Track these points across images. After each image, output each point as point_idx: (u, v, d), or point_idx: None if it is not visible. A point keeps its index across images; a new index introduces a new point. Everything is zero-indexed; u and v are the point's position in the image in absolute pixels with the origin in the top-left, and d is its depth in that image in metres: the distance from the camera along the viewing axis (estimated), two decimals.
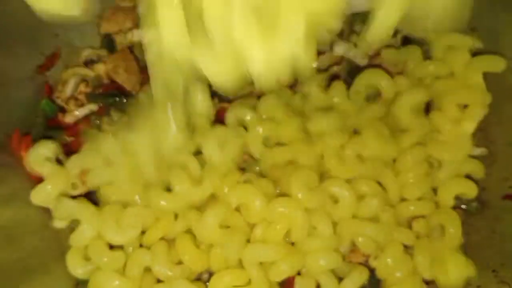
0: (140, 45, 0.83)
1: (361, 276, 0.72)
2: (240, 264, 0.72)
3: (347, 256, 0.75)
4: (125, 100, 0.80)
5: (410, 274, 0.73)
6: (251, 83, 0.62)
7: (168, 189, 0.74)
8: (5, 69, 0.75)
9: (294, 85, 0.78)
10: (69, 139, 0.80)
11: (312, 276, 0.73)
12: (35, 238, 0.74)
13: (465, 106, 0.77)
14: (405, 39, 0.82)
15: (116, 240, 0.73)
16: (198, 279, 0.75)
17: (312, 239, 0.72)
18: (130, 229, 0.73)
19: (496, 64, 0.76)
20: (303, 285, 0.73)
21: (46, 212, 0.77)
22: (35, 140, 0.76)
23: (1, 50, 0.74)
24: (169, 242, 0.74)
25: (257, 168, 0.76)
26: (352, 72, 0.80)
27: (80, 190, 0.77)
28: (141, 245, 0.75)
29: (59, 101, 0.82)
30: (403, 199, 0.75)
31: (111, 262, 0.72)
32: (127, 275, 0.72)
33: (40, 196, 0.75)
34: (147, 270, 0.73)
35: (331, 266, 0.72)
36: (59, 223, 0.77)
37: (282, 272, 0.71)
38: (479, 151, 0.80)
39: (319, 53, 0.77)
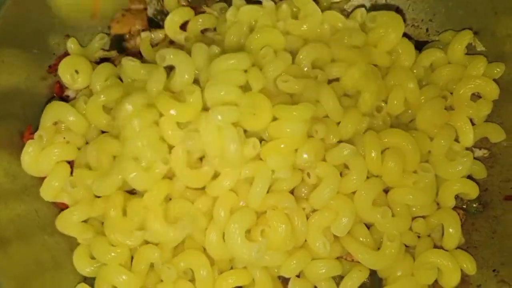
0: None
1: (361, 274, 0.72)
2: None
3: (347, 255, 0.74)
4: None
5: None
6: None
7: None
8: (18, 68, 0.77)
9: None
10: None
11: (310, 281, 0.73)
12: (45, 233, 0.75)
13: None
14: None
15: (123, 242, 0.72)
16: None
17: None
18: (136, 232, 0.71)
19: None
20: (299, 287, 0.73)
21: (56, 207, 0.77)
22: None
23: (15, 51, 0.76)
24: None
25: None
26: None
27: None
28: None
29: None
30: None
31: (116, 258, 0.72)
32: (134, 270, 0.72)
33: (48, 191, 0.75)
34: (151, 267, 0.73)
35: (331, 274, 0.73)
36: None
37: (287, 269, 0.71)
38: (480, 152, 0.81)
39: None
